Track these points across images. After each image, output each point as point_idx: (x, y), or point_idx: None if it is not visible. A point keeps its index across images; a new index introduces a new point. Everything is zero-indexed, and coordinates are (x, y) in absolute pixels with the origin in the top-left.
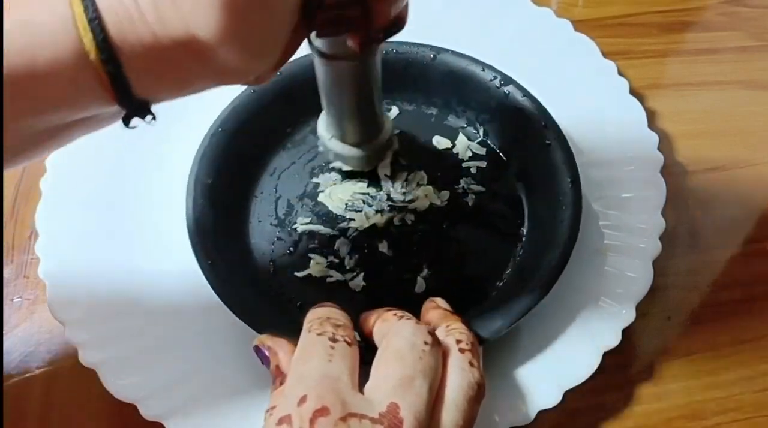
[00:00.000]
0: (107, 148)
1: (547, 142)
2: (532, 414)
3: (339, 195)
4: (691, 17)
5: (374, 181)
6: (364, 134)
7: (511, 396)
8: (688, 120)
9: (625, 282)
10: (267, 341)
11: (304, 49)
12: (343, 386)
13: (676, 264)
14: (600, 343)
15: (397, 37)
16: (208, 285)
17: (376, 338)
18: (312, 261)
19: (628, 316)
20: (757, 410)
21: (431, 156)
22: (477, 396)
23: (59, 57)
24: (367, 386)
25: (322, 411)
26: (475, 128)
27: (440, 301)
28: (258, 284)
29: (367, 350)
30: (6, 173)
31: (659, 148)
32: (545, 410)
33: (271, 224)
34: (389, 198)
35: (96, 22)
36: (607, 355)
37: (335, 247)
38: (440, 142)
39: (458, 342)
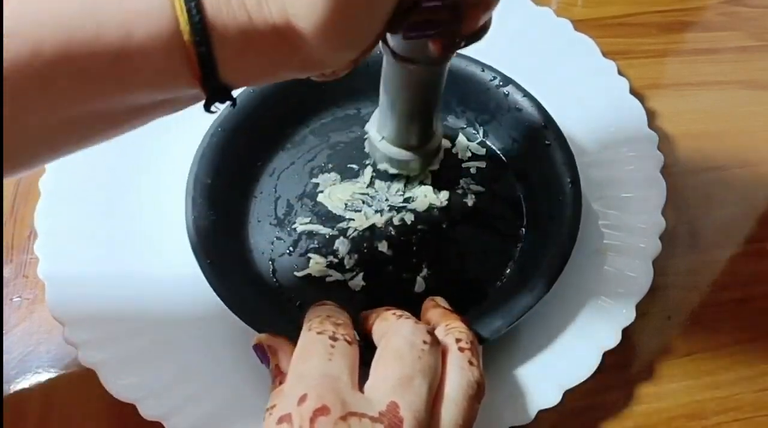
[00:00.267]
0: (107, 147)
1: (547, 142)
2: (532, 413)
3: (338, 195)
4: (691, 17)
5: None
6: (418, 138)
7: (511, 395)
8: (688, 120)
9: (625, 282)
10: (267, 340)
11: None
12: (343, 385)
13: (676, 264)
14: (600, 343)
15: None
16: (208, 285)
17: (375, 337)
18: (311, 261)
19: (628, 316)
20: (757, 410)
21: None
22: (477, 395)
23: (153, 35)
24: (367, 385)
25: (322, 410)
26: (475, 128)
27: (440, 300)
28: (257, 284)
29: (366, 349)
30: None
31: (659, 148)
32: (545, 410)
33: (270, 224)
34: (388, 199)
35: (194, 3)
36: (607, 355)
37: (335, 247)
38: None
39: (458, 341)
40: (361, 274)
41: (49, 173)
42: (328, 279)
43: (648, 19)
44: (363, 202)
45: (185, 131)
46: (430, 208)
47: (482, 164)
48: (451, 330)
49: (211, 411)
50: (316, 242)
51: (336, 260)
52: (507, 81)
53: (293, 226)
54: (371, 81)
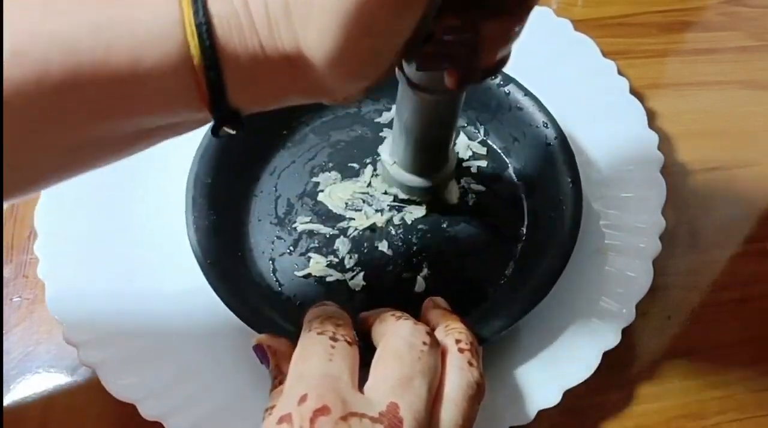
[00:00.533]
0: None
1: (547, 141)
2: (532, 413)
3: (339, 194)
4: (691, 17)
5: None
6: (431, 165)
7: (511, 395)
8: (688, 120)
9: (625, 282)
10: (267, 341)
11: None
12: (343, 385)
13: (676, 264)
14: (600, 343)
15: None
16: (208, 285)
17: (375, 338)
18: (312, 261)
19: (628, 316)
20: (757, 410)
21: None
22: (476, 395)
23: (163, 59)
24: (367, 386)
25: (322, 410)
26: (476, 127)
27: (440, 301)
28: (258, 283)
29: (365, 350)
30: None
31: (659, 148)
32: (545, 409)
33: (270, 223)
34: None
35: (204, 27)
36: (607, 355)
37: (335, 246)
38: None
39: (457, 341)
40: (362, 274)
41: None
42: (328, 278)
43: (648, 19)
44: (363, 202)
45: None
46: (431, 207)
47: (483, 163)
48: (451, 330)
49: (211, 411)
50: (316, 241)
51: (336, 260)
52: (508, 80)
53: (294, 226)
54: None
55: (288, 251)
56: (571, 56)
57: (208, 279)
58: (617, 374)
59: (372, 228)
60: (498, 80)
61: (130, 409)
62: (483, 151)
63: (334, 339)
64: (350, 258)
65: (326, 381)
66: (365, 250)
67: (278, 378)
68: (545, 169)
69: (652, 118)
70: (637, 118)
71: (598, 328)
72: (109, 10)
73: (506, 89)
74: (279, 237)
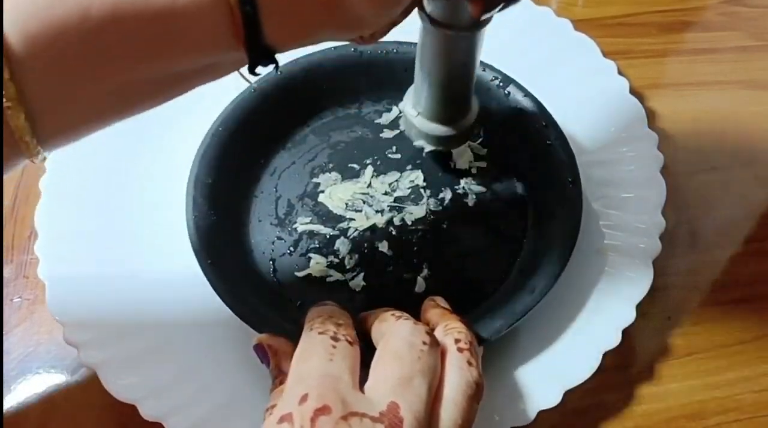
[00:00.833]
0: (107, 147)
1: (547, 141)
2: (532, 414)
3: (339, 195)
4: (691, 17)
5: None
6: (454, 111)
7: (511, 396)
8: (688, 120)
9: (625, 282)
10: (267, 340)
11: (305, 50)
12: (344, 385)
13: (676, 264)
14: (600, 343)
15: (397, 38)
16: (208, 285)
17: (375, 338)
18: (312, 261)
19: (628, 316)
20: (757, 410)
21: (432, 156)
22: (475, 395)
23: None
24: (367, 386)
25: (323, 410)
26: (476, 128)
27: (440, 300)
28: (258, 284)
29: (365, 350)
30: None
31: (659, 148)
32: (545, 410)
33: (271, 224)
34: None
35: None
36: (607, 355)
37: (335, 247)
38: None
39: (456, 341)
40: (362, 274)
41: (50, 173)
42: (328, 279)
43: (648, 19)
44: (364, 202)
45: (186, 131)
46: (431, 208)
47: (483, 164)
48: (450, 330)
49: (211, 411)
50: (316, 242)
51: (337, 260)
52: (508, 81)
53: (294, 226)
54: (371, 81)
55: (288, 251)
56: (571, 56)
57: (208, 279)
58: (617, 374)
59: (372, 228)
60: (498, 81)
61: (130, 409)
62: (483, 151)
63: (335, 338)
64: (350, 258)
65: (327, 381)
66: (365, 251)
67: (279, 377)
68: (545, 170)
69: (651, 118)
70: (637, 118)
71: (598, 328)
72: None
73: (506, 90)
74: (279, 238)
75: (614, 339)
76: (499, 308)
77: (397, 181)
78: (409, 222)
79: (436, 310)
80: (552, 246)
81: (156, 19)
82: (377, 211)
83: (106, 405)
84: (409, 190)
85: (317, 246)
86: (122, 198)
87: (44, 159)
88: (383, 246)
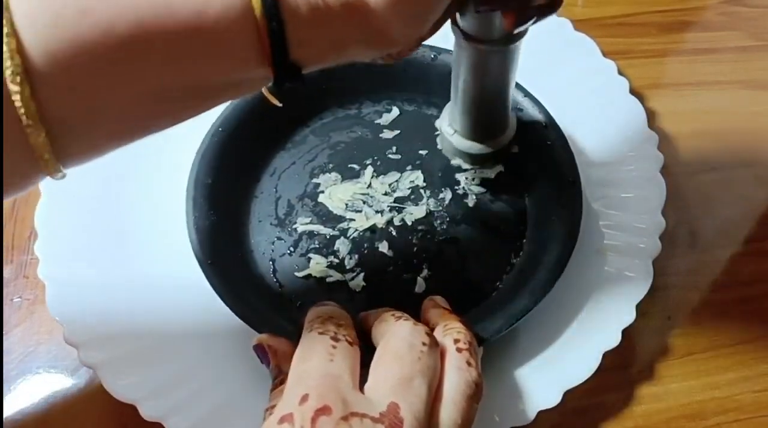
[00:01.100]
0: None
1: (547, 142)
2: (532, 414)
3: (339, 195)
4: (691, 17)
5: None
6: (491, 129)
7: (511, 396)
8: (688, 120)
9: (625, 282)
10: (267, 340)
11: None
12: (344, 385)
13: (676, 264)
14: (600, 343)
15: None
16: (209, 285)
17: (375, 338)
18: (312, 261)
19: (628, 316)
20: (757, 410)
21: (432, 156)
22: (474, 395)
23: (226, 11)
24: (367, 386)
25: (323, 410)
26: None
27: (439, 300)
28: (258, 284)
29: (365, 350)
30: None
31: (659, 148)
32: (545, 410)
33: (271, 224)
34: (388, 195)
35: None
36: (607, 355)
37: (335, 247)
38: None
39: (456, 341)
40: (362, 275)
41: None
42: (328, 279)
43: (648, 19)
44: (364, 203)
45: (186, 131)
46: (431, 208)
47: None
48: (450, 330)
49: (211, 411)
50: (316, 242)
51: (337, 260)
52: None
53: (294, 226)
54: (372, 81)
55: (288, 252)
56: (571, 56)
57: (208, 279)
58: (617, 374)
59: (372, 229)
60: None
61: (130, 409)
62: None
63: (335, 339)
64: (350, 258)
65: (327, 381)
66: (365, 251)
67: (279, 377)
68: (545, 170)
69: (652, 118)
70: (637, 118)
71: (598, 328)
72: None
73: None
74: (279, 238)
75: (614, 339)
76: (498, 308)
77: (397, 181)
78: (409, 223)
79: (435, 310)
80: (552, 247)
81: (181, 35)
82: (377, 212)
83: (106, 405)
84: (409, 191)
85: (317, 246)
86: (122, 198)
87: (64, 175)
88: (383, 247)
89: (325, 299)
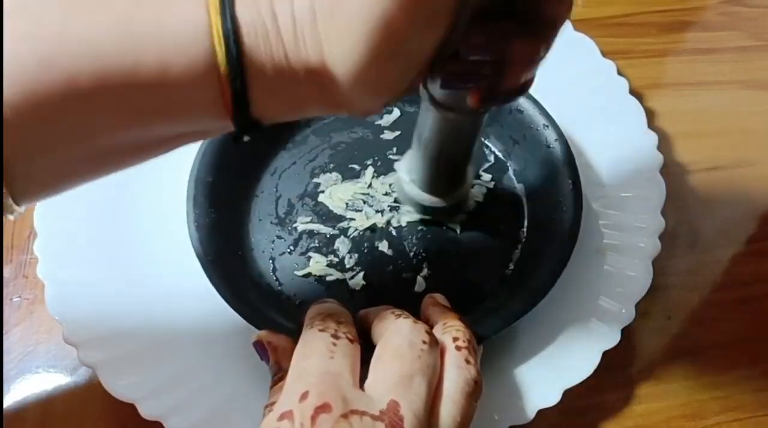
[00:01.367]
0: None
1: (547, 143)
2: (532, 413)
3: (339, 194)
4: (691, 17)
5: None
6: (448, 185)
7: (510, 395)
8: (688, 120)
9: (625, 282)
10: (267, 336)
11: None
12: (344, 383)
13: (676, 264)
14: (600, 343)
15: None
16: (209, 284)
17: (374, 336)
18: (312, 260)
19: (628, 316)
20: (757, 410)
21: None
22: (474, 393)
23: (190, 68)
24: (367, 383)
25: (323, 408)
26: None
27: (439, 297)
28: (258, 282)
29: (364, 348)
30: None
31: (659, 148)
32: (545, 409)
33: (271, 223)
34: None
35: (232, 36)
36: (607, 355)
37: (335, 246)
38: None
39: (455, 339)
40: (362, 274)
41: None
42: (328, 278)
43: (648, 18)
44: (364, 202)
45: None
46: (431, 207)
47: (483, 165)
48: (449, 328)
49: (211, 411)
50: (316, 241)
51: (336, 259)
52: None
53: (294, 225)
54: None
55: (288, 250)
56: (570, 56)
57: (208, 277)
58: (617, 374)
59: (372, 228)
60: None
61: (130, 409)
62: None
63: (335, 336)
64: (350, 258)
65: (327, 379)
66: (365, 250)
67: (278, 374)
68: (545, 171)
69: (651, 118)
70: (637, 118)
71: (598, 328)
72: (137, 15)
73: None
74: (279, 237)
75: (614, 339)
76: (498, 307)
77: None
78: (409, 222)
79: (435, 308)
80: (552, 247)
81: (145, 89)
82: (377, 211)
83: (106, 405)
84: None
85: (317, 245)
86: (122, 197)
87: (19, 215)
88: (383, 246)
89: (325, 297)
